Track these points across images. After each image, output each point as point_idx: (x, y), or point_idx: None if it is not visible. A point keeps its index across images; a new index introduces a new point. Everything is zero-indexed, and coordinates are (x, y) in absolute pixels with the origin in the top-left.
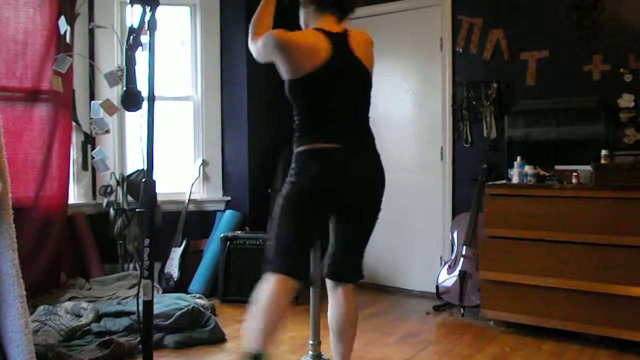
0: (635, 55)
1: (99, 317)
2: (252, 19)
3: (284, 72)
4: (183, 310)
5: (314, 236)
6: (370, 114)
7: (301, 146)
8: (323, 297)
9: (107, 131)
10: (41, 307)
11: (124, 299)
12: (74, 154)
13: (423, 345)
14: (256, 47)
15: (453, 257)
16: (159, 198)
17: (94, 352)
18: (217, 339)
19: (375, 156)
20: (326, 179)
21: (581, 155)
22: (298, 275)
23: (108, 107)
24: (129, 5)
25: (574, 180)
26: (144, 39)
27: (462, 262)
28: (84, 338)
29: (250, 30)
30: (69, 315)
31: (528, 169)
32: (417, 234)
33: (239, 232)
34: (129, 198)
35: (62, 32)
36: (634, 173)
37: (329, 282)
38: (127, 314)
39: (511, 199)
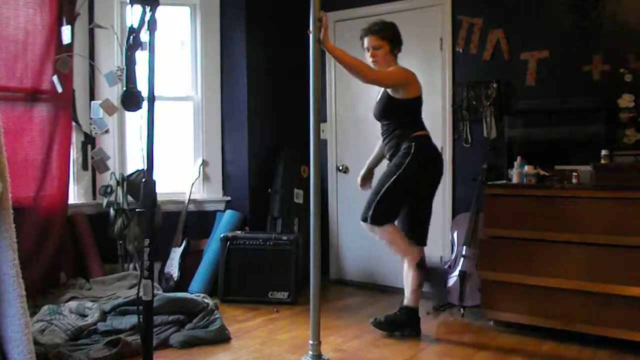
0: (635, 55)
1: (105, 315)
2: (348, 64)
3: (402, 94)
4: (194, 298)
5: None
6: (371, 114)
7: (417, 132)
8: (323, 297)
9: (107, 131)
10: (45, 307)
11: (124, 299)
12: (74, 154)
13: (423, 345)
14: (382, 80)
15: (453, 257)
16: (159, 198)
17: (102, 351)
18: (222, 338)
19: None
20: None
21: (581, 155)
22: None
23: (108, 107)
24: (129, 5)
25: (574, 180)
26: (144, 38)
27: (462, 262)
28: (91, 337)
29: (359, 72)
30: (74, 315)
31: (528, 169)
32: None
33: (239, 232)
34: (129, 198)
35: (65, 41)
36: (634, 173)
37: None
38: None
39: (511, 199)
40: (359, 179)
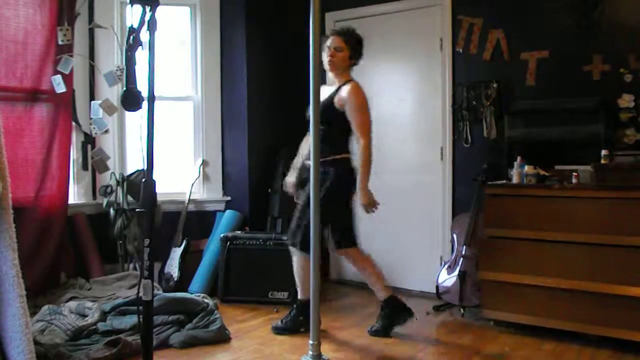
0: (635, 55)
1: (105, 315)
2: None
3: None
4: (193, 298)
5: None
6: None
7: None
8: (323, 297)
9: (107, 131)
10: (45, 307)
11: (124, 299)
12: (74, 154)
13: (423, 345)
14: (368, 136)
15: (453, 257)
16: (159, 198)
17: (102, 351)
18: (222, 338)
19: None
20: None
21: (581, 155)
22: None
23: (107, 107)
24: (129, 5)
25: (574, 180)
26: (144, 38)
27: (462, 262)
28: (91, 337)
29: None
30: (74, 315)
31: (528, 169)
32: (417, 234)
33: (239, 232)
34: (129, 198)
35: (60, 42)
36: (634, 173)
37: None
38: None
39: (511, 199)
40: (292, 188)
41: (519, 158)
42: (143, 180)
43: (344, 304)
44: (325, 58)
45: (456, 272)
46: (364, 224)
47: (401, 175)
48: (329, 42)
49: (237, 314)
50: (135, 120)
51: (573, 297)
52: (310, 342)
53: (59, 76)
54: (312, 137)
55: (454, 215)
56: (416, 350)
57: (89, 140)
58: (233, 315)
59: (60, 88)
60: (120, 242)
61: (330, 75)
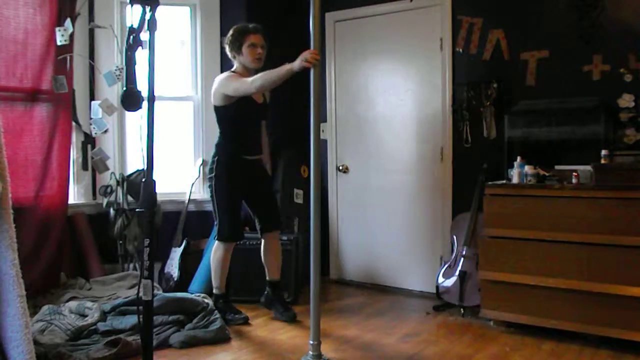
0: (635, 55)
1: (104, 315)
2: (269, 77)
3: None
4: (193, 298)
5: None
6: (371, 114)
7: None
8: (323, 297)
9: (106, 131)
10: (45, 307)
11: (124, 299)
12: (74, 154)
13: (423, 345)
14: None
15: (453, 257)
16: (159, 198)
17: (102, 351)
18: (222, 338)
19: None
20: None
21: (581, 155)
22: None
23: (106, 106)
24: (129, 5)
25: (574, 180)
26: (144, 38)
27: (462, 262)
28: (91, 337)
29: (261, 79)
30: (74, 315)
31: (528, 169)
32: (417, 234)
33: None
34: (129, 198)
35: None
36: (634, 173)
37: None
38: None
39: (511, 199)
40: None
41: (519, 158)
42: (143, 180)
43: (344, 304)
44: (252, 55)
45: (456, 272)
46: (364, 224)
47: (401, 175)
48: (255, 40)
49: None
50: (135, 120)
51: (573, 297)
52: (310, 342)
53: (62, 77)
54: (313, 137)
55: (454, 215)
56: (416, 350)
57: (89, 140)
58: None
59: (62, 88)
60: (120, 242)
61: (245, 70)
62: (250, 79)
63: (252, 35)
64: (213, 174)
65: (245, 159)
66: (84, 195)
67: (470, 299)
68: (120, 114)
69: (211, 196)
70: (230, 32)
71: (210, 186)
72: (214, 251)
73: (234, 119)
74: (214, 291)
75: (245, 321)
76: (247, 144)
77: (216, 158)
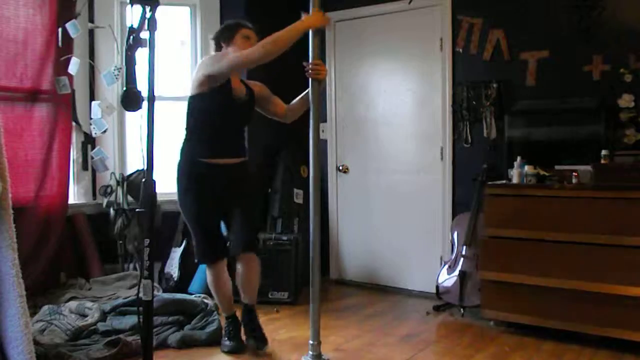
0: (635, 55)
1: (104, 315)
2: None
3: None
4: (192, 299)
5: None
6: (371, 114)
7: None
8: (323, 297)
9: (105, 131)
10: (45, 307)
11: (124, 299)
12: (74, 154)
13: (423, 345)
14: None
15: (453, 257)
16: (159, 198)
17: (101, 352)
18: (218, 340)
19: None
20: None
21: (581, 155)
22: None
23: (105, 106)
24: (129, 5)
25: (574, 180)
26: (144, 37)
27: (462, 262)
28: (91, 337)
29: (272, 39)
30: (74, 315)
31: (528, 169)
32: (417, 234)
33: None
34: (129, 198)
35: (72, 35)
36: (634, 173)
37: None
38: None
39: (511, 199)
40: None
41: (519, 158)
42: (143, 180)
43: (344, 304)
44: (245, 46)
45: (456, 272)
46: (364, 223)
47: (401, 175)
48: (249, 34)
49: (237, 314)
50: (135, 120)
51: (573, 297)
52: (310, 342)
53: (64, 77)
54: (312, 137)
55: (454, 215)
56: (416, 350)
57: (89, 140)
58: None
59: (65, 89)
60: (120, 242)
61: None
62: (258, 44)
63: (246, 30)
64: (179, 187)
65: (219, 163)
66: (84, 195)
67: (470, 299)
68: (120, 114)
69: (181, 212)
70: (222, 25)
71: (178, 200)
72: (206, 274)
73: (209, 111)
74: (223, 314)
75: (233, 351)
76: (222, 142)
77: (181, 166)
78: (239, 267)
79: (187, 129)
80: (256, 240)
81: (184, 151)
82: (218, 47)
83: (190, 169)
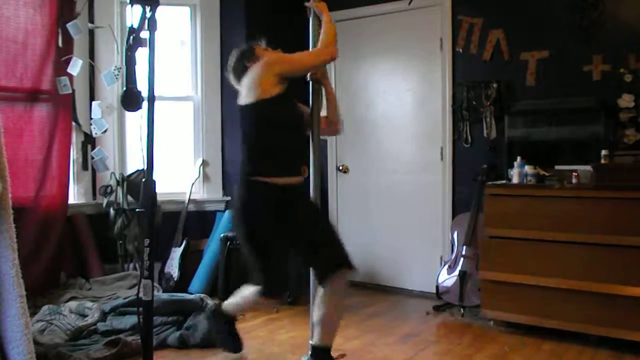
0: (635, 55)
1: (104, 315)
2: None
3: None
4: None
5: None
6: (371, 114)
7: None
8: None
9: (105, 131)
10: (45, 307)
11: (124, 299)
12: (74, 154)
13: (423, 345)
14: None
15: (453, 257)
16: (159, 198)
17: (101, 351)
18: (210, 341)
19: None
20: None
21: (581, 155)
22: None
23: (105, 106)
24: (129, 5)
25: (574, 180)
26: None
27: (462, 262)
28: (91, 337)
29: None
30: (74, 315)
31: (528, 169)
32: (417, 234)
33: None
34: (129, 198)
35: (74, 35)
36: (634, 173)
37: None
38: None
39: (511, 199)
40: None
41: (519, 158)
42: (143, 180)
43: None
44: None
45: (456, 272)
46: (364, 224)
47: (401, 175)
48: (263, 47)
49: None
50: (135, 120)
51: (573, 297)
52: (310, 342)
53: (65, 77)
54: (312, 137)
55: (454, 215)
56: (416, 350)
57: (89, 140)
58: None
59: (66, 89)
60: (120, 242)
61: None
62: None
63: (257, 46)
64: (258, 217)
65: (291, 184)
66: (84, 195)
67: (470, 299)
68: (120, 114)
69: (250, 243)
70: (233, 55)
71: (249, 232)
72: (253, 302)
73: (279, 121)
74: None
75: (234, 350)
76: (293, 160)
77: (256, 192)
78: (325, 293)
79: (252, 145)
80: None
81: (259, 177)
82: (240, 73)
83: (271, 198)
